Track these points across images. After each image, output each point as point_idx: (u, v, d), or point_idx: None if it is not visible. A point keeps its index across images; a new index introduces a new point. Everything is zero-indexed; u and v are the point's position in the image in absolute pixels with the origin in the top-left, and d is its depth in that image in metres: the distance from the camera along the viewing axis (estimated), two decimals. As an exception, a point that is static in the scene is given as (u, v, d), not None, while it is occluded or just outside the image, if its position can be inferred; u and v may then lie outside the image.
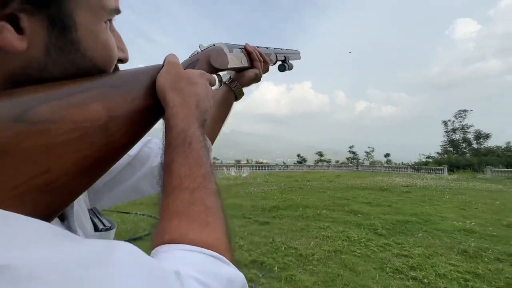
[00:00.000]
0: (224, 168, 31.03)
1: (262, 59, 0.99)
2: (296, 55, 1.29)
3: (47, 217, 0.41)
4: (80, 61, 0.47)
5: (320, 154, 48.61)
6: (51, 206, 0.41)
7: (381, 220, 7.58)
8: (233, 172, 26.56)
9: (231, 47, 0.88)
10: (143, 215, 8.36)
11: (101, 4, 0.48)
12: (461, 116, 50.82)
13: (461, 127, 50.20)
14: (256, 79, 0.99)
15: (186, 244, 0.43)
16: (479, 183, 18.47)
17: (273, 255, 4.95)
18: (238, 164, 37.11)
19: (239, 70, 0.95)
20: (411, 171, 31.42)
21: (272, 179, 20.37)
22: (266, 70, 1.04)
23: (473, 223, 7.48)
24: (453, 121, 51.37)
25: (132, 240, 5.67)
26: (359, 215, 8.28)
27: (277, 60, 1.14)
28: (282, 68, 1.18)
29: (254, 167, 33.63)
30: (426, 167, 32.36)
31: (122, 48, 0.57)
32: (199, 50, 0.79)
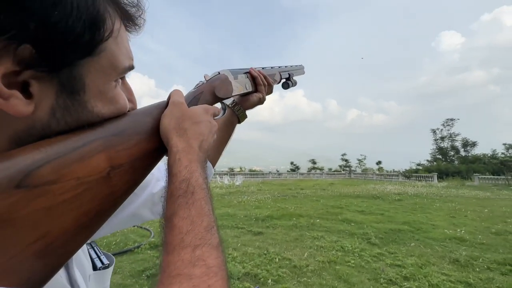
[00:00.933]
0: (217, 176, 30.49)
1: (266, 83, 1.00)
2: (300, 70, 1.29)
3: (41, 282, 0.39)
4: (86, 117, 0.49)
5: (313, 161, 48.73)
6: (46, 270, 0.39)
7: (374, 229, 7.63)
8: (226, 180, 26.21)
9: (235, 73, 0.90)
10: (134, 226, 8.26)
11: (113, 65, 0.50)
12: (448, 125, 51.53)
13: (449, 135, 50.87)
14: (260, 102, 1.00)
15: None
16: (468, 191, 18.66)
17: (267, 267, 4.96)
18: (231, 172, 36.77)
19: (243, 95, 0.97)
20: (402, 179, 31.64)
21: (266, 187, 20.38)
22: (270, 92, 1.05)
23: (463, 231, 7.56)
24: (441, 130, 52.06)
25: (122, 254, 5.63)
26: (352, 224, 8.33)
27: (281, 79, 1.15)
28: (286, 86, 1.19)
29: (248, 175, 33.24)
30: (417, 174, 32.60)
31: (131, 99, 0.59)
32: (204, 81, 0.80)
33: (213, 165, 0.98)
